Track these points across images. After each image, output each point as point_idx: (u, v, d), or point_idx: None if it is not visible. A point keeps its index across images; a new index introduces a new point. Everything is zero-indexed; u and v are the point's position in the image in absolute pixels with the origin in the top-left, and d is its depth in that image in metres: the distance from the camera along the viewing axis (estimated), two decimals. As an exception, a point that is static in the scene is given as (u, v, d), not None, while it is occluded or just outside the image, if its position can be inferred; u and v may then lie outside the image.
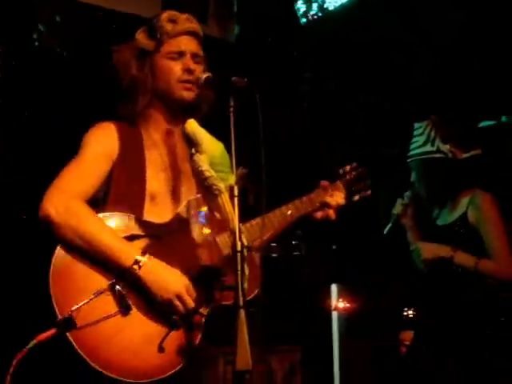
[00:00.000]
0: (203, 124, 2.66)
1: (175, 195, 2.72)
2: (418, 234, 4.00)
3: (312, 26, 5.20)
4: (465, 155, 3.82)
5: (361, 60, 5.25)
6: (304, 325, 5.16)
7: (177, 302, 2.48)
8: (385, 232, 4.03)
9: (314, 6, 5.19)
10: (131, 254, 2.50)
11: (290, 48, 5.25)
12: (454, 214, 3.82)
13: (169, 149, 2.78)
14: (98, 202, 2.65)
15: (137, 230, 2.57)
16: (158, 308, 2.51)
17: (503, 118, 4.93)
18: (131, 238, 2.55)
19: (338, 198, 2.93)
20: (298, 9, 5.29)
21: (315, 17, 5.14)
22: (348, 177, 3.05)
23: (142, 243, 2.55)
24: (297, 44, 5.31)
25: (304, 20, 5.17)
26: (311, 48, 5.34)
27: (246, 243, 2.29)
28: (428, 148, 3.83)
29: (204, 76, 2.68)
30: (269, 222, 2.75)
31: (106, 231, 2.52)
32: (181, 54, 2.76)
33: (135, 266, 2.46)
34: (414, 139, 3.93)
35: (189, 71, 2.73)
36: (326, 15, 5.21)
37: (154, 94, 2.77)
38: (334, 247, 5.39)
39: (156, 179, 2.71)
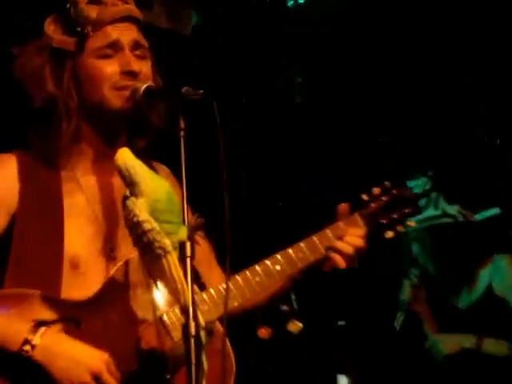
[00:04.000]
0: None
1: (112, 256, 2.49)
2: (436, 324, 3.97)
3: (301, 9, 5.04)
4: (479, 217, 3.90)
5: (360, 51, 5.10)
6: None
7: None
8: (396, 325, 4.02)
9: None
10: (19, 333, 2.26)
11: (272, 41, 5.00)
12: (475, 291, 3.85)
13: (103, 192, 2.54)
14: None
15: (43, 314, 2.33)
16: None
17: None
18: (35, 326, 2.30)
19: (353, 239, 2.57)
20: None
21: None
22: (374, 205, 2.66)
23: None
24: (282, 35, 5.09)
25: (292, 2, 4.97)
26: (300, 40, 5.16)
27: (203, 324, 2.09)
28: (431, 212, 3.85)
29: (143, 87, 2.37)
30: (245, 285, 2.46)
31: None
32: (115, 48, 2.44)
33: (26, 348, 2.25)
34: None
35: (129, 74, 2.42)
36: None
37: (81, 114, 2.48)
38: (340, 323, 5.04)
39: (80, 237, 2.47)
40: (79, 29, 2.46)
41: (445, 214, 3.87)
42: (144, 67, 2.47)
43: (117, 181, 2.42)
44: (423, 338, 4.04)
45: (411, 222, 2.73)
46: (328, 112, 5.32)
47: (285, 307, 2.66)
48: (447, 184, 3.98)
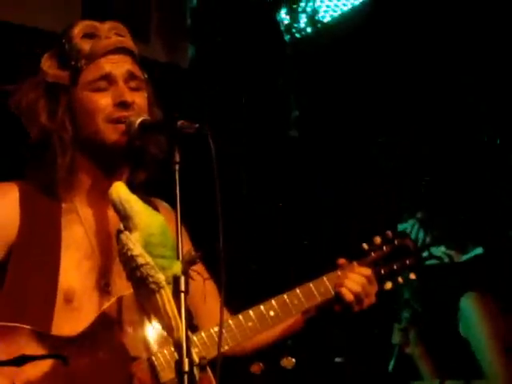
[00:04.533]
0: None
1: (106, 291, 2.44)
2: (432, 363, 3.92)
3: (299, 44, 4.96)
4: (464, 257, 3.89)
5: (365, 91, 5.04)
6: None
7: None
8: (390, 369, 4.00)
9: (302, 17, 4.86)
10: None
11: (270, 76, 4.97)
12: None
13: (101, 225, 2.51)
14: None
15: (30, 349, 2.24)
16: None
17: None
18: (20, 360, 2.20)
19: (357, 277, 2.57)
20: (281, 20, 4.92)
21: (303, 33, 4.86)
22: (374, 255, 2.67)
23: (34, 369, 2.23)
24: (280, 71, 5.05)
25: (288, 37, 4.86)
26: (299, 76, 5.11)
27: (197, 360, 2.05)
28: None
29: (138, 121, 2.35)
30: (238, 329, 2.45)
31: None
32: (109, 81, 2.43)
33: None
34: None
35: (122, 105, 2.40)
36: (319, 30, 4.94)
37: (77, 147, 2.45)
38: (338, 360, 4.87)
39: (76, 270, 2.42)
40: (73, 62, 2.44)
41: (430, 256, 3.89)
42: (138, 98, 2.44)
43: (115, 214, 2.37)
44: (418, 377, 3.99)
45: (412, 274, 2.67)
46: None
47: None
48: (434, 226, 3.91)
